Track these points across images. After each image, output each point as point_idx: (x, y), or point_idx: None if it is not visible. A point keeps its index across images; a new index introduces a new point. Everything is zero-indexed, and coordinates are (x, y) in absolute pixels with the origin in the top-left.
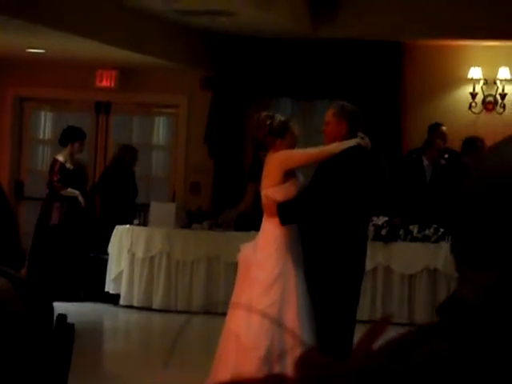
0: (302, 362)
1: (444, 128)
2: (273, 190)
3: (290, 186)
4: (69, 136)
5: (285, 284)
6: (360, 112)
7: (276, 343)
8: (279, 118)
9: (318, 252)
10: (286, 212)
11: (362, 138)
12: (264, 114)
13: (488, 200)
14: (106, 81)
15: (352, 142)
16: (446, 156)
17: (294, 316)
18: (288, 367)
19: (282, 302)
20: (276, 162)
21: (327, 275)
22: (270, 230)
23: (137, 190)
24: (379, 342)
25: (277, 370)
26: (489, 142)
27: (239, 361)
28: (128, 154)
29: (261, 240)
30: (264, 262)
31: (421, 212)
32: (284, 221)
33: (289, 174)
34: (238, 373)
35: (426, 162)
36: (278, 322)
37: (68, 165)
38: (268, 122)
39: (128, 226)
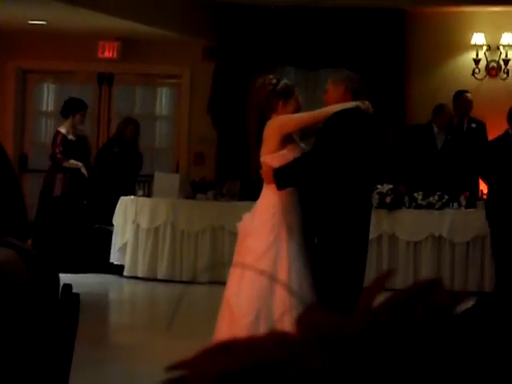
0: (302, 321)
1: (468, 95)
2: (270, 157)
3: (288, 152)
4: (70, 107)
5: (277, 252)
6: (360, 78)
7: (265, 310)
8: (285, 81)
9: (318, 219)
10: (281, 175)
11: (363, 103)
12: (271, 75)
13: None
14: (108, 52)
15: (350, 104)
16: (474, 125)
17: (284, 284)
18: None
19: (274, 270)
20: (273, 127)
21: (329, 242)
22: (269, 198)
23: (141, 162)
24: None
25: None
26: (492, 108)
27: (231, 329)
28: (129, 127)
29: (259, 207)
30: (259, 230)
31: (429, 180)
32: (279, 185)
33: (287, 140)
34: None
35: (436, 129)
36: (275, 280)
37: (70, 136)
38: (273, 82)
39: (132, 197)
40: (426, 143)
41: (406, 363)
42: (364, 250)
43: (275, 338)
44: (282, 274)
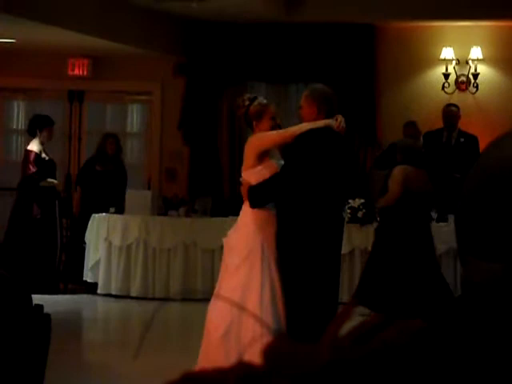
0: (268, 351)
1: (453, 108)
2: (247, 173)
3: (264, 169)
4: (36, 124)
5: (250, 269)
6: (333, 94)
7: (235, 326)
8: (259, 100)
9: (290, 235)
10: (253, 194)
11: (337, 120)
12: (247, 95)
13: (490, 194)
14: (78, 69)
15: (320, 123)
16: (462, 140)
17: (255, 302)
18: (256, 354)
19: (246, 286)
20: (249, 145)
21: (301, 259)
22: (246, 214)
23: (125, 177)
24: (348, 327)
25: (247, 357)
26: (463, 122)
27: (205, 346)
28: (108, 142)
29: (238, 223)
30: (236, 245)
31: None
32: (252, 203)
33: (263, 157)
34: (205, 358)
35: None
36: (242, 307)
37: (43, 155)
38: (246, 103)
39: (104, 214)
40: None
41: None
42: (337, 265)
43: (241, 370)
44: (254, 294)
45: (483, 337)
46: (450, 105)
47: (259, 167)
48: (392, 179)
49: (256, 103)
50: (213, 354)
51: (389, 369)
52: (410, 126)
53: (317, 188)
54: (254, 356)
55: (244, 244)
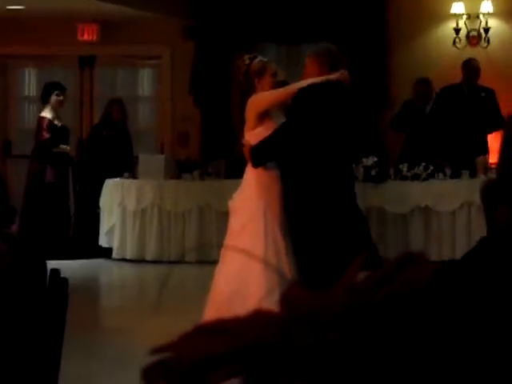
0: (285, 299)
1: (474, 62)
2: (248, 135)
3: (264, 129)
4: (48, 91)
5: (254, 230)
6: (337, 51)
7: (242, 288)
8: (259, 58)
9: (297, 195)
10: (254, 153)
11: (341, 73)
12: (246, 56)
13: None
14: (87, 35)
15: (320, 79)
16: (483, 94)
17: (259, 266)
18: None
19: (251, 248)
20: (250, 106)
21: (310, 219)
22: (249, 176)
23: (131, 143)
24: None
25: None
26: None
27: (209, 308)
28: (114, 108)
29: (243, 185)
30: (240, 208)
31: (415, 151)
32: (253, 162)
33: (263, 117)
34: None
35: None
36: (261, 260)
37: (56, 121)
38: (247, 62)
39: (118, 179)
40: (413, 115)
41: (389, 338)
42: (351, 223)
43: (261, 318)
44: (258, 252)
45: (495, 279)
46: (471, 59)
47: (259, 128)
48: None
49: (257, 61)
50: (218, 316)
51: (407, 312)
52: (422, 83)
53: (320, 143)
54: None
55: (247, 207)
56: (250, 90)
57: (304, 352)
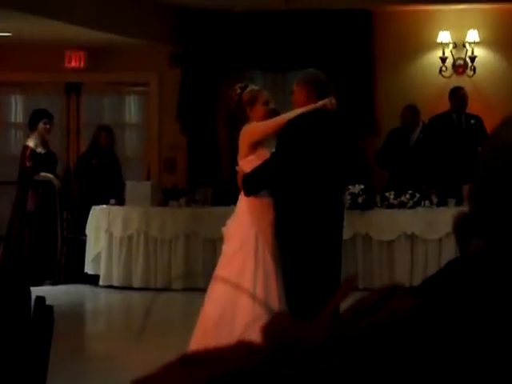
0: (268, 329)
1: (462, 91)
2: (242, 163)
3: (256, 158)
4: (35, 118)
5: (244, 258)
6: (325, 78)
7: (229, 315)
8: (251, 87)
9: (288, 222)
10: (246, 182)
11: (330, 100)
12: (238, 85)
13: (492, 178)
14: (74, 61)
15: (310, 107)
16: (473, 122)
17: (248, 293)
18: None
19: (239, 277)
20: (242, 135)
21: (300, 246)
22: (243, 202)
23: (120, 169)
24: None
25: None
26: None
27: (197, 334)
28: (102, 134)
29: (236, 212)
30: (232, 235)
31: (401, 179)
32: (245, 191)
33: (256, 146)
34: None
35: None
36: (249, 294)
37: (39, 149)
38: (238, 92)
39: (104, 206)
40: (400, 143)
41: (372, 368)
42: (338, 251)
43: (243, 348)
44: (247, 281)
45: (469, 312)
46: (458, 88)
47: (252, 156)
48: None
49: (248, 90)
50: (204, 343)
51: (388, 342)
52: (409, 110)
53: (311, 172)
54: (251, 338)
55: (239, 234)
56: (242, 119)
57: (285, 382)
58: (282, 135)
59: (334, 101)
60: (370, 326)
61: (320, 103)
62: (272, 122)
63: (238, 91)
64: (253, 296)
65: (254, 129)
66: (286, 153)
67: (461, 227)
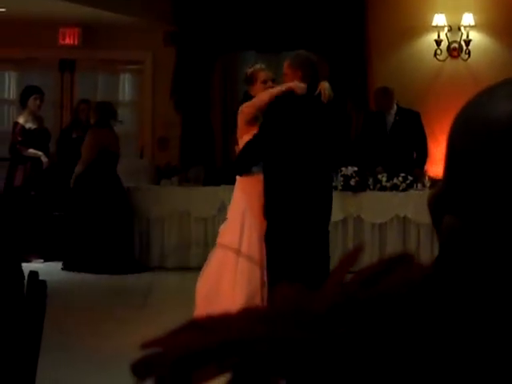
0: (274, 296)
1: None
2: (240, 142)
3: (249, 137)
4: (26, 95)
5: (232, 235)
6: (316, 59)
7: (226, 285)
8: (254, 67)
9: (272, 204)
10: (236, 162)
11: (321, 87)
12: (251, 66)
13: (463, 152)
14: (69, 38)
15: (279, 88)
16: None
17: (231, 271)
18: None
19: (224, 256)
20: (239, 114)
21: (287, 226)
22: (238, 186)
23: None
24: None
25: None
26: (455, 88)
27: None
28: (81, 107)
29: (232, 198)
30: (228, 211)
31: (385, 161)
32: (235, 171)
33: (252, 125)
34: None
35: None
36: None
37: (28, 125)
38: (246, 71)
39: None
40: (379, 127)
41: (378, 335)
42: (323, 229)
43: (249, 313)
44: (229, 264)
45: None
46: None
47: (245, 136)
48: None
49: (250, 70)
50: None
51: (395, 311)
52: (381, 92)
53: (290, 150)
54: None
55: (231, 210)
56: (235, 99)
57: (292, 346)
58: (265, 115)
59: (326, 87)
60: (379, 295)
61: (293, 86)
62: (257, 100)
63: (248, 70)
64: (238, 252)
65: (243, 107)
66: (268, 130)
67: (434, 205)
